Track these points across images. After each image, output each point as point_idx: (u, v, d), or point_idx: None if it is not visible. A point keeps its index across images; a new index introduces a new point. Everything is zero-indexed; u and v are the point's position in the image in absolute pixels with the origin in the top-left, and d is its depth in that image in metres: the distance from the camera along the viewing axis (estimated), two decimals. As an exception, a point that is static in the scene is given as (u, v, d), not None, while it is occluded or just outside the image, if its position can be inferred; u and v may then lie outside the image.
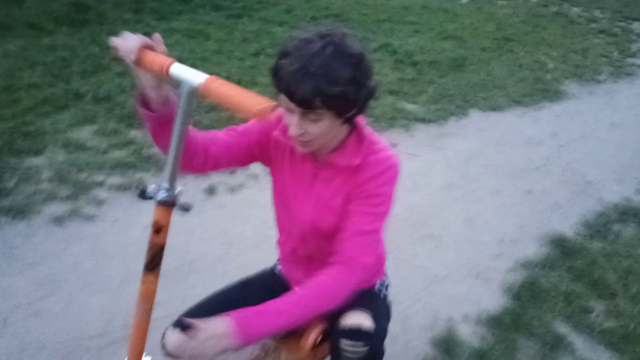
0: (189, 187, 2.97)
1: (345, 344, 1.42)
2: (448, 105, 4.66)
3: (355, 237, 1.34)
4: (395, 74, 5.22)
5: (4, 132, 3.16)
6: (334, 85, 1.16)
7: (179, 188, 1.20)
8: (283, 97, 1.22)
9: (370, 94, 1.30)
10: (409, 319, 2.26)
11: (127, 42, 1.11)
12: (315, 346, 1.64)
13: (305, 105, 1.19)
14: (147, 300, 1.24)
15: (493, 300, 2.43)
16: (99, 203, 2.71)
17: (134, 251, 2.36)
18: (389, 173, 1.36)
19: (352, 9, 7.41)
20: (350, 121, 1.33)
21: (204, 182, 3.04)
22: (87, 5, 5.64)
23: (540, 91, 5.28)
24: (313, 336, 1.67)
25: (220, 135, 1.44)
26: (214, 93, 1.01)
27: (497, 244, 2.87)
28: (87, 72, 4.12)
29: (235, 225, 2.74)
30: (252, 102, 0.96)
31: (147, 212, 2.29)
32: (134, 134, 3.39)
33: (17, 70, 4.03)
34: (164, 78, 1.10)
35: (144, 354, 1.34)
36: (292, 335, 1.87)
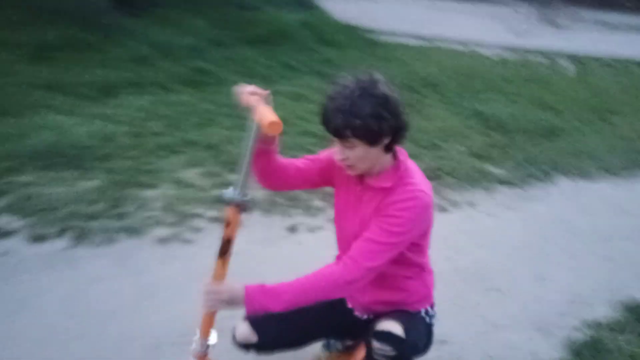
0: (274, 224, 3.34)
1: (375, 345, 1.63)
2: (535, 172, 4.70)
3: (364, 242, 1.60)
4: (484, 139, 5.37)
5: (129, 168, 3.77)
6: (357, 118, 1.50)
7: (247, 195, 1.53)
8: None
9: (399, 127, 1.59)
10: (461, 356, 2.37)
11: (244, 88, 1.56)
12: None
13: (338, 135, 1.54)
14: (217, 281, 1.56)
15: (551, 353, 2.46)
16: (197, 230, 3.14)
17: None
18: (411, 202, 1.62)
19: (451, 78, 7.70)
20: (389, 150, 1.62)
21: (287, 220, 3.39)
22: (208, 70, 6.48)
23: (638, 163, 5.14)
24: (359, 355, 1.90)
25: (297, 161, 1.82)
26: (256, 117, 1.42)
27: (565, 303, 2.88)
28: (202, 125, 4.75)
29: (308, 261, 2.98)
30: (266, 116, 1.33)
31: (237, 242, 2.70)
32: (233, 177, 3.86)
33: (146, 120, 4.75)
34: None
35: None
36: (342, 353, 2.10)
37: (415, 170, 1.70)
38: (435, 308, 1.94)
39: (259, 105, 1.47)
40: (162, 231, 3.11)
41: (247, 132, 1.53)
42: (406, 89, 6.86)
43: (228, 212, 1.54)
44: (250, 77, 6.60)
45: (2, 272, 2.61)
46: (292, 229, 3.32)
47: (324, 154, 1.84)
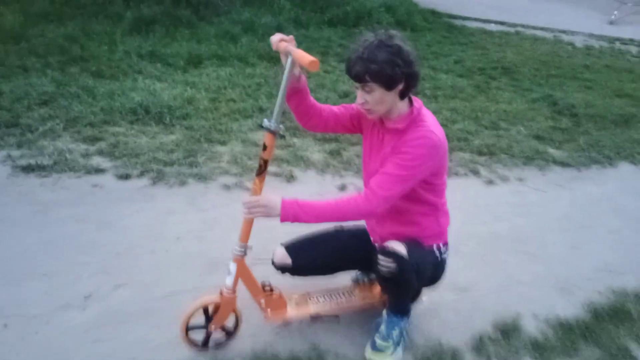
0: (326, 182, 3.67)
1: (380, 258, 1.92)
2: (596, 156, 4.68)
3: (380, 175, 1.89)
4: (548, 122, 5.37)
5: (204, 126, 4.25)
6: (374, 63, 1.78)
7: (281, 125, 1.86)
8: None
9: (411, 75, 1.85)
10: (479, 302, 2.59)
11: (274, 37, 1.86)
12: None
13: (358, 79, 1.82)
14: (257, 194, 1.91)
15: (568, 310, 2.61)
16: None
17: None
18: (422, 140, 1.88)
19: (524, 63, 7.62)
20: (404, 96, 1.89)
21: (338, 180, 3.71)
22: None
23: None
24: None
25: (333, 108, 2.14)
26: (294, 56, 1.73)
27: (594, 270, 2.99)
28: (272, 95, 5.16)
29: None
30: (307, 58, 1.63)
31: (291, 193, 3.10)
32: (295, 140, 4.23)
33: (223, 88, 5.23)
34: (285, 53, 1.80)
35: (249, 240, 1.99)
36: (368, 284, 2.40)
37: (428, 116, 1.96)
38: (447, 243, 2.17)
39: (293, 48, 1.77)
40: (227, 179, 3.53)
41: (280, 74, 1.84)
42: (476, 72, 6.92)
43: (265, 137, 1.87)
44: (324, 54, 6.95)
45: (93, 200, 3.14)
46: (342, 188, 3.63)
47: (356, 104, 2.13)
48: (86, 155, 3.65)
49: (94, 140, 3.86)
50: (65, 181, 3.30)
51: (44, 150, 3.61)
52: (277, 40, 1.85)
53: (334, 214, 1.88)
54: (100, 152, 3.70)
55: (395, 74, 1.80)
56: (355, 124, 2.13)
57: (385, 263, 1.92)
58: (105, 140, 3.87)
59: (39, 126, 3.95)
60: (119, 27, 6.84)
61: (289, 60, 1.79)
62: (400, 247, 1.94)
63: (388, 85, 1.82)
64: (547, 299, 2.69)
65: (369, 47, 1.79)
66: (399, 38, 1.84)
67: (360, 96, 1.87)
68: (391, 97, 1.86)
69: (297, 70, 1.86)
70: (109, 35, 6.53)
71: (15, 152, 3.58)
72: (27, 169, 3.36)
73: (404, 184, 1.88)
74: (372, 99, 1.86)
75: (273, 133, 1.87)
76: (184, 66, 5.83)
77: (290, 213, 1.84)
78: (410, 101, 1.95)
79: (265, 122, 1.87)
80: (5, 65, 5.21)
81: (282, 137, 1.91)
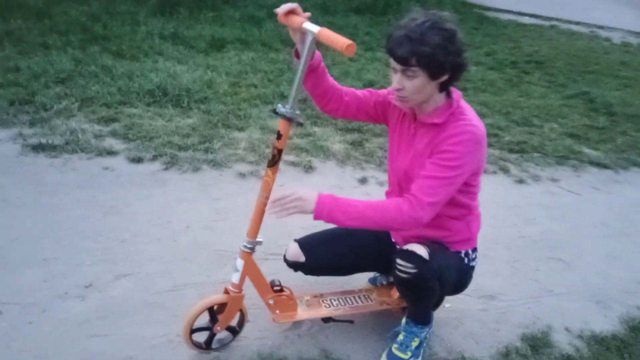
0: (346, 174, 3.48)
1: (398, 262, 1.73)
2: (634, 157, 4.41)
3: (422, 179, 1.66)
4: (584, 120, 5.09)
5: (222, 111, 4.09)
6: (425, 46, 1.54)
7: (297, 110, 1.67)
8: (390, 59, 1.63)
9: (460, 65, 1.63)
10: (507, 314, 2.38)
11: (282, 6, 1.63)
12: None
13: (403, 62, 1.59)
14: (266, 189, 1.73)
15: (604, 325, 2.39)
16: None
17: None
18: (464, 136, 1.65)
19: (559, 58, 7.30)
20: (445, 88, 1.68)
21: (359, 172, 3.52)
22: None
23: None
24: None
25: (356, 91, 1.91)
26: (322, 37, 1.50)
27: (633, 283, 2.76)
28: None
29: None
30: (343, 41, 1.41)
31: (308, 185, 2.90)
32: (315, 129, 4.04)
33: (244, 73, 5.06)
34: (300, 30, 1.59)
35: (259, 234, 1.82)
36: (386, 287, 2.22)
37: (467, 108, 1.74)
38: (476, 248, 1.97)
39: (316, 27, 1.54)
40: (242, 167, 3.37)
41: (293, 58, 1.63)
42: (508, 65, 6.64)
43: (280, 125, 1.68)
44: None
45: (103, 182, 3.01)
46: (363, 181, 3.43)
47: (384, 91, 1.92)
48: (99, 136, 3.52)
49: (108, 121, 3.73)
50: (75, 162, 3.17)
51: (56, 130, 3.49)
52: (286, 10, 1.60)
53: (374, 218, 1.65)
54: (114, 134, 3.56)
55: (446, 61, 1.58)
56: (380, 113, 1.93)
57: (404, 268, 1.74)
58: (120, 121, 3.74)
59: (53, 104, 3.83)
60: (144, 8, 6.72)
61: (309, 39, 1.57)
62: (421, 251, 1.75)
63: (434, 74, 1.60)
64: (581, 312, 2.47)
65: (420, 27, 1.55)
66: (454, 22, 1.61)
67: (398, 81, 1.64)
68: (432, 87, 1.64)
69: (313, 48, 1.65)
70: (132, 15, 6.41)
71: (28, 131, 3.47)
72: (38, 148, 3.24)
73: (450, 186, 1.66)
74: (411, 86, 1.62)
75: (289, 120, 1.66)
76: (206, 49, 5.68)
77: (325, 210, 1.63)
78: (448, 93, 1.72)
79: (280, 108, 1.66)
80: (26, 42, 5.11)
81: (300, 124, 1.71)
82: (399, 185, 1.90)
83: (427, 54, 1.55)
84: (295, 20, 1.59)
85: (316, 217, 1.64)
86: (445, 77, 1.63)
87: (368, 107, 1.90)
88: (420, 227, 1.70)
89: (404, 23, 1.60)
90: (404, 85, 1.64)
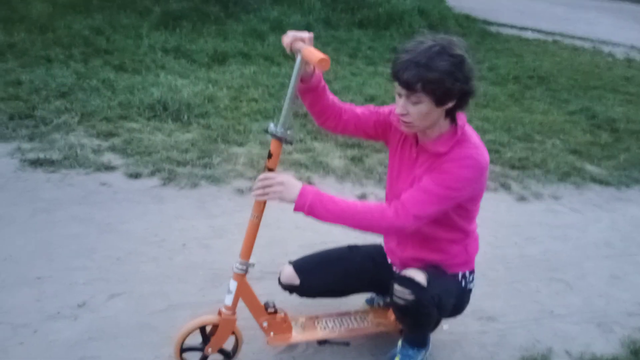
0: (345, 190, 3.45)
1: (396, 288, 1.70)
2: (637, 174, 4.37)
3: (415, 191, 1.63)
4: (586, 137, 5.06)
5: (222, 126, 4.07)
6: (432, 72, 1.50)
7: (288, 130, 1.64)
8: (395, 83, 1.60)
9: (468, 92, 1.59)
10: (506, 337, 2.33)
11: (286, 36, 1.61)
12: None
13: (408, 87, 1.54)
14: (258, 208, 1.72)
15: (605, 348, 2.34)
16: (272, 187, 3.34)
17: (286, 226, 2.90)
18: (465, 161, 1.62)
19: (562, 73, 7.29)
20: (450, 115, 1.64)
21: (359, 189, 3.49)
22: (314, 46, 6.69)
23: None
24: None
25: (356, 109, 1.87)
26: (305, 55, 1.51)
27: (636, 305, 2.70)
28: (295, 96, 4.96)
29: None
30: (317, 55, 1.41)
31: None
32: (315, 145, 4.02)
33: (246, 87, 5.06)
34: (295, 52, 1.57)
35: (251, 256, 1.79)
36: (383, 308, 2.18)
37: (472, 134, 1.70)
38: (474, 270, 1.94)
39: (303, 45, 1.54)
40: (241, 183, 3.35)
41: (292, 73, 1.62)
42: (511, 80, 6.63)
43: (271, 144, 1.66)
44: (352, 56, 6.74)
45: (99, 199, 2.99)
46: (362, 197, 3.40)
47: (386, 109, 1.87)
48: (98, 151, 3.50)
49: (108, 135, 3.72)
50: (72, 178, 3.16)
51: (55, 144, 3.48)
52: (291, 41, 1.58)
53: (355, 218, 1.61)
54: (113, 149, 3.55)
55: (453, 89, 1.54)
56: (380, 133, 1.89)
57: (402, 294, 1.70)
58: (120, 136, 3.73)
59: (53, 119, 3.83)
60: (147, 21, 6.75)
61: (298, 59, 1.55)
62: (419, 277, 1.71)
63: (440, 100, 1.55)
64: (582, 335, 2.42)
65: (428, 52, 1.50)
66: (462, 47, 1.56)
67: (403, 106, 1.59)
68: (437, 113, 1.60)
69: (309, 68, 1.62)
70: (136, 28, 6.44)
71: (26, 145, 3.46)
72: (36, 163, 3.23)
73: (440, 204, 1.62)
74: (416, 112, 1.58)
75: (279, 139, 1.64)
76: (208, 63, 5.69)
77: (307, 202, 1.59)
78: (454, 119, 1.67)
79: (271, 127, 1.64)
80: (28, 55, 5.14)
81: (290, 143, 1.68)
82: None
83: (433, 80, 1.50)
84: (296, 46, 1.57)
85: (296, 208, 1.61)
86: (451, 104, 1.60)
87: (367, 127, 1.87)
88: (399, 235, 1.72)
89: (410, 47, 1.56)
90: (409, 111, 1.59)
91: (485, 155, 1.66)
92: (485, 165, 1.65)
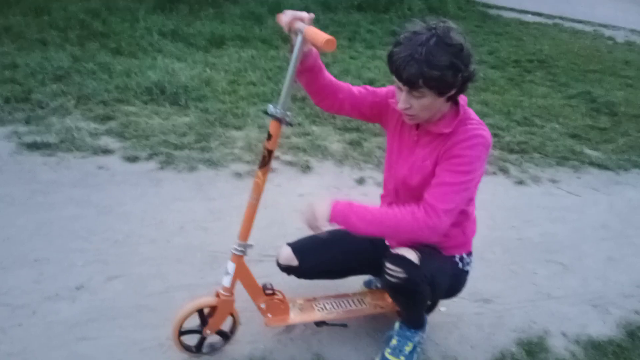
0: (344, 174, 3.45)
1: (387, 266, 1.70)
2: (635, 158, 4.37)
3: (436, 187, 1.61)
4: (585, 120, 5.05)
5: (220, 109, 4.05)
6: (434, 69, 1.47)
7: (288, 111, 1.63)
8: (394, 77, 1.58)
9: (469, 78, 1.57)
10: (503, 318, 2.35)
11: (285, 15, 1.56)
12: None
13: (410, 84, 1.52)
14: (257, 190, 1.71)
15: (601, 329, 2.36)
16: (271, 170, 3.33)
17: (285, 208, 2.90)
18: (474, 140, 1.61)
19: (562, 57, 7.24)
20: (452, 99, 1.63)
21: (357, 173, 3.48)
22: (312, 29, 6.64)
23: None
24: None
25: (353, 88, 1.84)
26: (307, 35, 1.48)
27: (633, 286, 2.72)
28: (294, 79, 4.93)
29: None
30: (322, 36, 1.38)
31: (305, 185, 2.86)
32: (314, 128, 4.01)
33: (244, 70, 5.02)
34: (295, 32, 1.55)
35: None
36: (381, 290, 2.19)
37: (473, 113, 1.69)
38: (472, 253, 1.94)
39: (304, 25, 1.51)
40: (239, 167, 3.34)
41: (289, 56, 1.59)
42: (510, 64, 6.59)
43: (270, 125, 1.65)
44: (351, 40, 6.69)
45: (97, 182, 2.98)
46: (360, 181, 3.40)
47: (383, 90, 1.85)
48: (95, 134, 3.49)
49: (104, 119, 3.70)
50: (69, 161, 3.15)
51: (51, 128, 3.47)
52: (290, 19, 1.53)
53: (388, 223, 1.60)
54: (110, 132, 3.53)
55: (456, 80, 1.52)
56: (376, 114, 1.87)
57: (393, 272, 1.70)
58: (117, 119, 3.71)
59: (49, 102, 3.81)
60: (143, 4, 6.68)
61: (299, 39, 1.53)
62: (412, 255, 1.71)
63: (442, 92, 1.54)
64: (579, 316, 2.43)
65: (425, 46, 1.46)
66: (458, 32, 1.52)
67: (405, 101, 1.57)
68: (440, 102, 1.58)
69: (306, 47, 1.59)
70: (132, 11, 6.37)
71: (23, 128, 3.44)
72: (32, 147, 3.22)
73: (464, 192, 1.61)
74: (419, 105, 1.57)
75: (279, 120, 1.63)
76: (205, 46, 5.65)
77: (339, 217, 1.61)
78: (455, 101, 1.66)
79: (271, 108, 1.63)
80: (24, 38, 5.09)
81: (289, 124, 1.67)
82: (396, 191, 1.87)
83: (436, 76, 1.48)
84: (295, 26, 1.53)
85: (332, 220, 1.61)
86: (453, 92, 1.58)
87: (362, 107, 1.85)
88: (438, 236, 1.62)
89: (405, 38, 1.51)
90: (412, 105, 1.58)
91: (489, 133, 1.66)
92: (491, 142, 1.65)
